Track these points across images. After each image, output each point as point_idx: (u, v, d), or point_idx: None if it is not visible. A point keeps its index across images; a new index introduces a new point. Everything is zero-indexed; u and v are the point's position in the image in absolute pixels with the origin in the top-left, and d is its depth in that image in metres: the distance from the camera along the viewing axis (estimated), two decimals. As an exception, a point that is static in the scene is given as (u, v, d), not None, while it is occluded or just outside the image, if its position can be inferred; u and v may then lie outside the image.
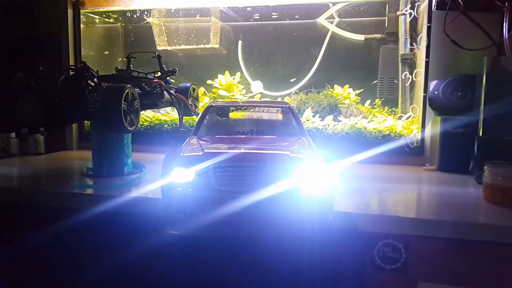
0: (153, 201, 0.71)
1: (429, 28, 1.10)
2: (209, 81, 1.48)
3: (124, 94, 0.79)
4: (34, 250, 0.78)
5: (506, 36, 1.05)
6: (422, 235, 0.67)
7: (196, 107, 1.22)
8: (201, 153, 0.66)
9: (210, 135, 0.81)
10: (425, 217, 0.69)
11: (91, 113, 0.81)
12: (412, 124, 1.21)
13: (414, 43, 1.21)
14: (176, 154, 0.69)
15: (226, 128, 0.85)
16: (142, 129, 1.33)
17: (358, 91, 1.38)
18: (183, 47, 1.51)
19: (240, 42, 1.52)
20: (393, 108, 1.37)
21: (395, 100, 1.35)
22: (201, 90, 1.47)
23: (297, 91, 1.42)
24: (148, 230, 0.68)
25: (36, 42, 1.41)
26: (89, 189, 0.82)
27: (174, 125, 1.32)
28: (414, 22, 1.24)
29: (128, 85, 0.81)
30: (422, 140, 1.15)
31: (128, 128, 0.81)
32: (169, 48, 1.51)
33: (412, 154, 1.15)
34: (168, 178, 0.64)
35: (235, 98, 1.44)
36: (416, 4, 1.19)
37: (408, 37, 1.26)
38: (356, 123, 1.21)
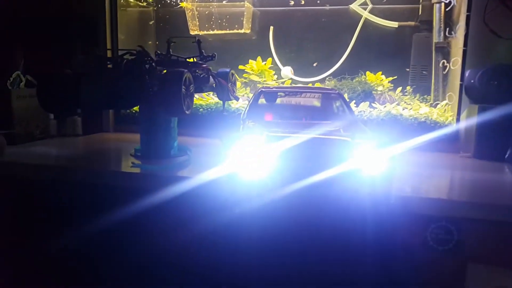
0: (217, 182, 0.73)
1: (468, 17, 1.11)
2: (241, 66, 1.50)
3: (184, 78, 0.81)
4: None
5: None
6: (474, 218, 0.70)
7: (234, 91, 1.24)
8: (265, 136, 0.69)
9: (262, 120, 0.83)
10: (477, 200, 0.72)
11: (150, 97, 0.83)
12: (446, 111, 1.23)
13: (451, 32, 1.23)
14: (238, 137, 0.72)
15: (277, 114, 0.87)
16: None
17: (391, 78, 1.39)
18: (215, 31, 1.52)
19: (271, 28, 1.53)
20: (425, 96, 1.39)
21: (426, 88, 1.37)
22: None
23: (330, 77, 1.44)
24: (215, 210, 0.71)
25: (71, 22, 1.42)
26: (150, 169, 0.85)
27: (209, 109, 1.34)
28: (449, 10, 1.26)
29: (186, 70, 0.84)
30: (457, 128, 1.17)
31: (186, 111, 0.84)
32: (200, 33, 1.53)
33: (447, 141, 1.17)
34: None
35: (268, 84, 1.46)
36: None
37: (442, 25, 1.28)
38: (391, 110, 1.23)
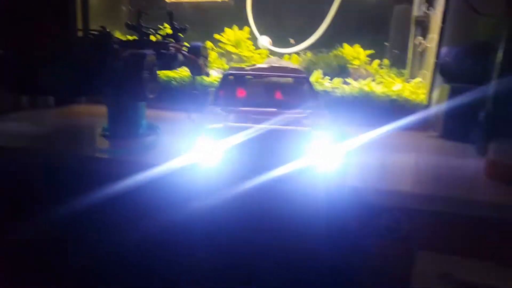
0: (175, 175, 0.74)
1: (447, -8, 1.09)
2: (217, 36, 1.46)
3: (145, 62, 0.80)
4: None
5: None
6: (423, 209, 0.73)
7: (206, 66, 1.22)
8: (224, 127, 0.69)
9: (228, 104, 0.83)
10: (426, 192, 0.73)
11: (112, 80, 0.82)
12: (419, 89, 1.23)
13: (430, 7, 1.20)
14: (199, 124, 0.72)
15: (243, 100, 0.86)
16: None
17: (368, 52, 1.37)
18: (191, -2, 1.47)
19: (249, -6, 1.48)
20: (401, 70, 1.38)
21: (405, 62, 1.35)
22: (209, 43, 1.46)
23: (306, 50, 1.41)
24: (173, 201, 0.73)
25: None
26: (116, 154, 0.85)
27: (182, 82, 1.32)
28: (430, -18, 1.22)
29: (149, 52, 0.82)
30: (428, 106, 1.18)
31: (150, 96, 0.83)
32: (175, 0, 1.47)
33: (417, 119, 1.18)
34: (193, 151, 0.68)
35: (245, 55, 1.43)
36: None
37: (423, -2, 1.24)
38: (364, 85, 1.22)
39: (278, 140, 0.69)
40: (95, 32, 0.84)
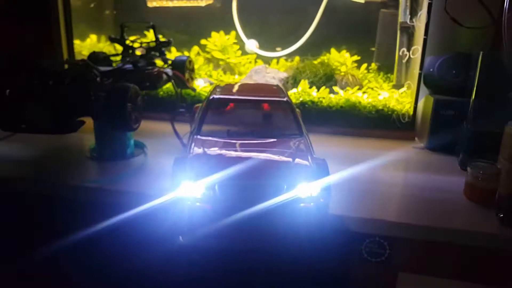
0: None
1: (430, 5, 1.08)
2: (203, 41, 1.45)
3: (129, 95, 0.80)
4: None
5: (506, 15, 1.04)
6: (403, 237, 0.75)
7: (192, 79, 1.22)
8: (207, 165, 0.70)
9: (211, 132, 0.83)
10: (406, 221, 0.75)
11: (96, 112, 0.82)
12: (405, 98, 1.24)
13: (414, 16, 1.19)
14: (182, 158, 0.73)
15: (226, 124, 0.86)
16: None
17: (355, 58, 1.37)
18: (175, 3, 1.45)
19: (235, -2, 1.45)
20: (388, 75, 1.38)
21: (391, 66, 1.36)
22: (196, 48, 1.45)
23: (291, 57, 1.41)
24: (156, 236, 0.74)
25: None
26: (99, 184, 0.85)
27: (169, 92, 1.31)
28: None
29: (131, 85, 0.82)
30: (414, 116, 1.19)
31: (133, 126, 0.84)
32: (160, 4, 1.45)
33: (403, 128, 1.20)
34: (177, 192, 0.69)
35: (231, 62, 1.42)
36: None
37: (408, 4, 1.23)
38: (350, 95, 1.23)
39: (260, 173, 0.71)
40: (77, 63, 0.83)
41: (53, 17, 1.34)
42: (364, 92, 1.25)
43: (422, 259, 0.78)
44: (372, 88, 1.30)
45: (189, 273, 0.75)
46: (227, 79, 1.41)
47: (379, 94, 1.24)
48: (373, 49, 1.36)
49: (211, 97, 0.87)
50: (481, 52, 0.93)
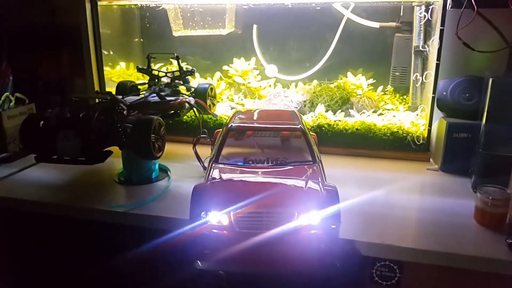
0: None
1: (441, 31, 1.11)
2: (225, 67, 1.52)
3: (153, 127, 0.87)
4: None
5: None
6: (413, 261, 0.78)
7: (214, 105, 1.29)
8: (223, 193, 0.76)
9: (229, 158, 0.89)
10: (416, 246, 0.78)
11: (122, 142, 0.89)
12: (419, 119, 1.27)
13: (427, 40, 1.22)
14: (200, 187, 0.79)
15: (243, 150, 0.92)
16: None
17: (370, 82, 1.41)
18: (198, 32, 1.53)
19: (255, 26, 1.52)
20: (404, 96, 1.41)
21: (407, 88, 1.39)
22: (219, 73, 1.53)
23: (308, 82, 1.46)
24: (174, 260, 0.80)
25: (55, 31, 1.46)
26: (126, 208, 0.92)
27: (192, 117, 1.38)
28: (430, 13, 1.24)
29: (155, 117, 0.89)
30: (428, 138, 1.21)
31: (157, 155, 0.91)
32: (183, 34, 1.53)
33: (418, 150, 1.22)
34: (195, 219, 0.75)
35: (252, 87, 1.49)
36: (431, 7, 1.18)
37: (422, 29, 1.27)
38: (367, 117, 1.26)
39: (274, 201, 0.75)
40: (105, 97, 0.91)
41: (85, 46, 1.45)
42: (380, 114, 1.28)
43: (432, 283, 0.80)
44: (387, 110, 1.33)
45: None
46: (248, 102, 1.47)
47: (394, 116, 1.27)
48: (391, 74, 1.39)
49: (229, 125, 0.93)
50: (491, 79, 0.95)
